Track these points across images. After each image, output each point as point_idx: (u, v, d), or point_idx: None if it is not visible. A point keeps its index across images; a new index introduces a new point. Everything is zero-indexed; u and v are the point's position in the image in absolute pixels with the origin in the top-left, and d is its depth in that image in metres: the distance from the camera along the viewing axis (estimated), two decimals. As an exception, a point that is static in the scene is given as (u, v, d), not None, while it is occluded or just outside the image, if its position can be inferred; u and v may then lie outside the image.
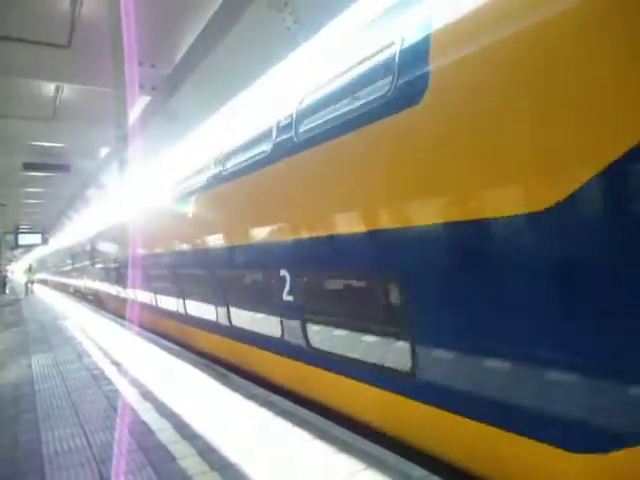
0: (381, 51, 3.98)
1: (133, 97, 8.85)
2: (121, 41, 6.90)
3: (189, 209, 7.79)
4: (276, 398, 5.40)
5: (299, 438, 4.19)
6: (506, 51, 2.91)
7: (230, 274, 6.90)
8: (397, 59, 3.71)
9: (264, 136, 5.53)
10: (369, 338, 4.40)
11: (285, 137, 5.09)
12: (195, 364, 7.43)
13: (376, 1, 4.44)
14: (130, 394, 6.01)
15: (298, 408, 5.00)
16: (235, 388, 5.90)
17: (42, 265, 51.06)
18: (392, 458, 3.69)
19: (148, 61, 8.18)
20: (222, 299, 7.08)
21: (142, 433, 4.59)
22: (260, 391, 5.73)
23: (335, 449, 3.89)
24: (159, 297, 10.97)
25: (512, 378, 3.03)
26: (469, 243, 3.22)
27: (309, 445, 4.02)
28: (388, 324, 4.08)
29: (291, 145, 4.95)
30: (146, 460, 3.93)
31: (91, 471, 3.82)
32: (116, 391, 6.21)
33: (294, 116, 4.97)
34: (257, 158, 5.62)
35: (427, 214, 3.44)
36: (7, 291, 32.82)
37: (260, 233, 5.71)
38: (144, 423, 4.88)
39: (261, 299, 6.04)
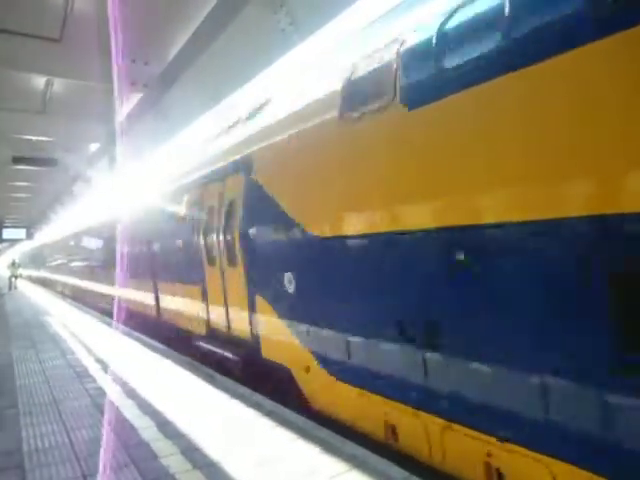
0: None
1: (125, 93, 8.80)
2: (114, 37, 6.86)
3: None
4: (261, 398, 5.40)
5: (283, 438, 4.20)
6: None
7: None
8: None
9: None
10: None
11: None
12: (180, 363, 7.39)
13: (372, 3, 4.49)
14: (113, 392, 5.96)
15: (283, 409, 5.01)
16: (220, 388, 5.89)
17: (36, 259, 38.05)
18: (375, 460, 3.71)
19: (141, 58, 8.13)
20: None
21: (125, 431, 4.56)
22: (245, 391, 5.72)
23: (319, 450, 3.91)
24: None
25: None
26: None
27: (293, 445, 4.03)
28: None
29: None
30: (128, 458, 3.91)
31: (72, 468, 3.79)
32: (99, 388, 6.16)
33: None
34: None
35: None
36: None
37: None
38: (127, 421, 4.85)
39: None
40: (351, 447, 3.95)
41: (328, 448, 3.93)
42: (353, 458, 3.72)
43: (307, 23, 5.74)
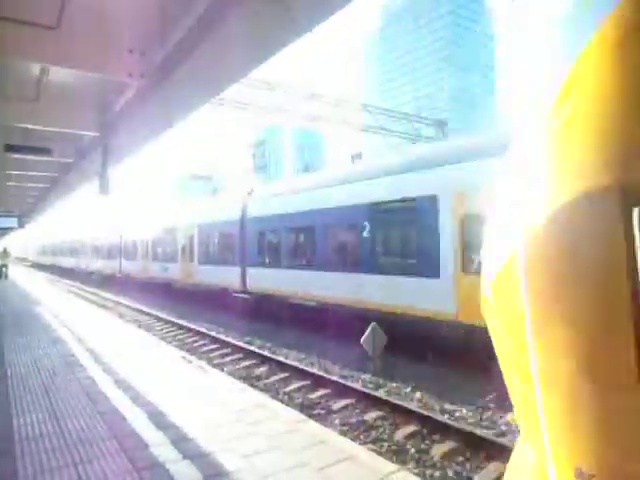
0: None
1: (121, 84, 8.73)
2: (111, 26, 6.81)
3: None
4: (253, 392, 5.44)
5: (273, 429, 4.24)
6: None
7: None
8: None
9: None
10: None
11: None
12: (171, 354, 7.42)
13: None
14: (104, 381, 5.98)
15: (273, 402, 5.06)
16: (212, 381, 5.92)
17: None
18: (363, 453, 3.77)
19: (138, 48, 8.07)
20: None
21: (115, 420, 4.58)
22: (238, 385, 5.76)
23: (308, 442, 3.96)
24: None
25: None
26: None
27: (283, 438, 4.07)
28: None
29: None
30: (119, 446, 3.94)
31: (62, 456, 3.81)
32: (90, 378, 6.17)
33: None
34: None
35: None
36: None
37: None
38: (118, 411, 4.87)
39: None
40: (342, 441, 4.01)
41: (317, 441, 3.98)
42: (341, 451, 3.78)
43: (306, 19, 5.73)
